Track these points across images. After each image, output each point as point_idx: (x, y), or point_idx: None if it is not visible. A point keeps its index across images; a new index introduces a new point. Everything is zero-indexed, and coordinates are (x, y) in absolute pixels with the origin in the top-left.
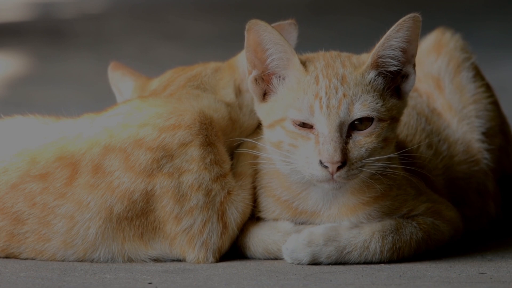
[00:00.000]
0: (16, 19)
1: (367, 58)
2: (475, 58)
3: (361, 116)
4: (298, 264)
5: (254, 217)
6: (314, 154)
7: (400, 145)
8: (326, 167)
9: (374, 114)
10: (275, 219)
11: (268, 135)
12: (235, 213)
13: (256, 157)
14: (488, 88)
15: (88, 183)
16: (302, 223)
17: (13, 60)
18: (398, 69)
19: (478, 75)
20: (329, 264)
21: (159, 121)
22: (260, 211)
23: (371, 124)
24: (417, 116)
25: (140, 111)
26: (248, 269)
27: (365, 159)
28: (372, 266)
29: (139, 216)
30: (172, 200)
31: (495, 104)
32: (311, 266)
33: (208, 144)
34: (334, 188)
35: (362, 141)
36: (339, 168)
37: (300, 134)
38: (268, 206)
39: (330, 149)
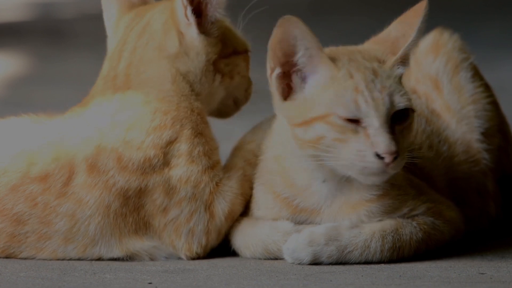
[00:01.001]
0: (16, 19)
1: (380, 54)
2: (474, 58)
3: (403, 107)
4: (299, 264)
5: (253, 217)
6: (367, 147)
7: None
8: (382, 158)
9: (411, 105)
10: (273, 217)
11: (299, 133)
12: (223, 203)
13: (254, 154)
14: (487, 88)
15: (86, 182)
16: (301, 221)
17: (13, 60)
18: None
19: (476, 75)
20: (329, 263)
21: (144, 123)
22: (258, 209)
23: (408, 115)
24: (417, 117)
25: (123, 112)
26: (248, 269)
27: (407, 150)
28: (372, 266)
29: (131, 212)
30: (163, 194)
31: (494, 104)
32: (311, 266)
33: (195, 135)
34: (382, 180)
35: (404, 132)
36: (394, 159)
37: (350, 128)
38: (267, 203)
39: (386, 141)
